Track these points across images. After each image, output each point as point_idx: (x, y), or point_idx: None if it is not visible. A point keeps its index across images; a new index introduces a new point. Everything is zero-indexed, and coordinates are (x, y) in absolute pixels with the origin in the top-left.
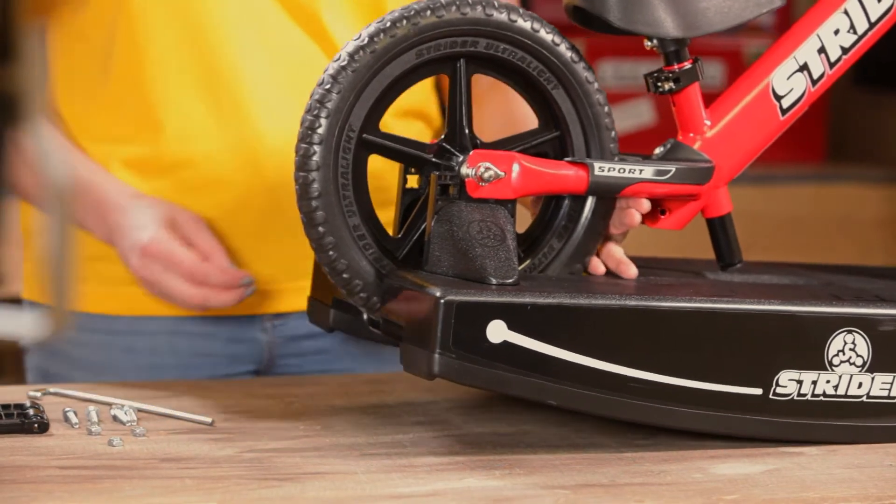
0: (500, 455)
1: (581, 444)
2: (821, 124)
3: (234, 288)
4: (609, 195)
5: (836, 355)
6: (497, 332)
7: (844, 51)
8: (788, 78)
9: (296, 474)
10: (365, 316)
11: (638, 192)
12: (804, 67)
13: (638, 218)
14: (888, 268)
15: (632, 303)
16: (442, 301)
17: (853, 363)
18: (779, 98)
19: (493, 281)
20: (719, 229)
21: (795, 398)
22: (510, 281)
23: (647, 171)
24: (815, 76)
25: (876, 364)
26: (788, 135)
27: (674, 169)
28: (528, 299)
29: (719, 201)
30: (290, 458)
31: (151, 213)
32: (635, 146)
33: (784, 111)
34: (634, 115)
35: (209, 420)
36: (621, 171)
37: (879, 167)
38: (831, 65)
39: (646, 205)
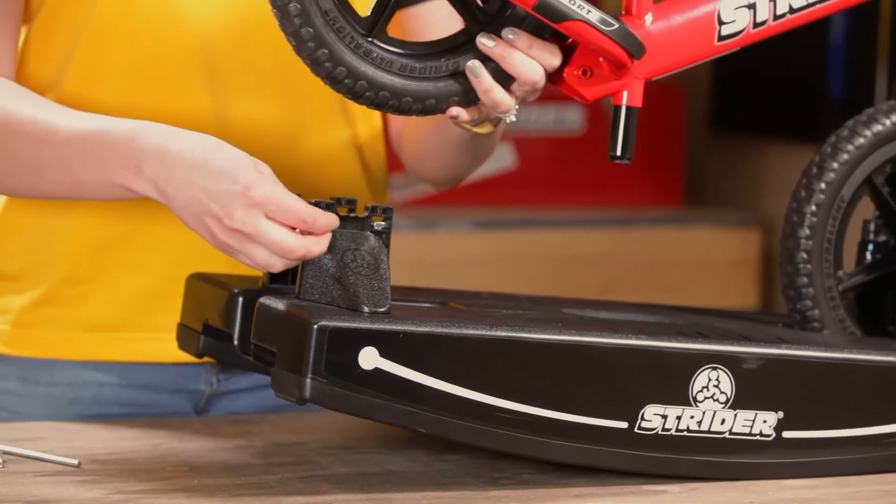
0: (367, 494)
1: (447, 484)
2: (679, 168)
3: (327, 232)
4: (550, 19)
5: (701, 391)
6: (369, 358)
7: (791, 10)
8: (736, 9)
9: None
10: (235, 342)
11: (576, 30)
12: (752, 6)
13: (540, 72)
14: (752, 312)
15: (502, 333)
16: (315, 326)
17: (717, 399)
18: (721, 23)
19: (366, 308)
20: (625, 120)
21: (660, 433)
22: (383, 309)
23: (594, 15)
24: (759, 20)
25: (738, 401)
26: (647, 178)
27: (618, 25)
28: (399, 327)
29: (636, 92)
30: (158, 499)
31: (235, 153)
32: (498, 191)
33: (721, 38)
34: (496, 160)
35: (75, 462)
36: (572, 1)
37: (736, 211)
38: (775, 17)
39: (556, 59)
